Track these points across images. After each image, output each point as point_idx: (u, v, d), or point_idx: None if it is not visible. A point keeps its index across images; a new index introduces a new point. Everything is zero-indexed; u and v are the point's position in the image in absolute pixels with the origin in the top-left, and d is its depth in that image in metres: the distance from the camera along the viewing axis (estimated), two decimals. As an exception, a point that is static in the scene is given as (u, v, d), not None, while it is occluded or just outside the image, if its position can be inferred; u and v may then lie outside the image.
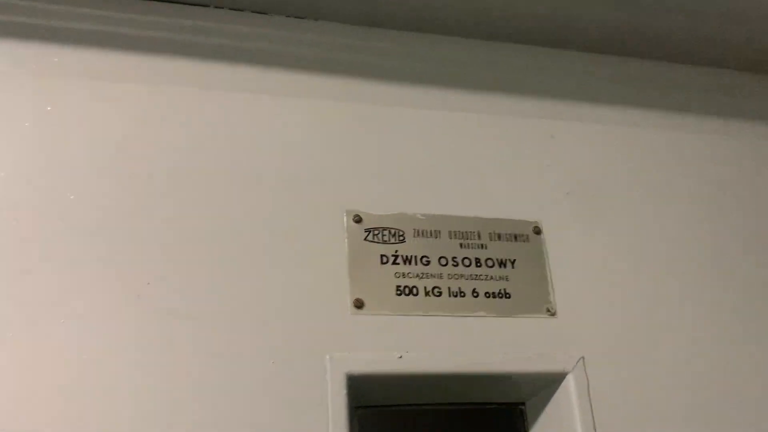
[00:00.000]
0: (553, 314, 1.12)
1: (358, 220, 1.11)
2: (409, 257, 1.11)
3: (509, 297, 1.11)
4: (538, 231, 1.18)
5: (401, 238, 1.12)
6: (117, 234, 1.01)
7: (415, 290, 1.08)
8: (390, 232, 1.12)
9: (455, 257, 1.12)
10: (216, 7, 1.20)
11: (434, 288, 1.09)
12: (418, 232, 1.13)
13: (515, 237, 1.17)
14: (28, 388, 0.89)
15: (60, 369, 0.91)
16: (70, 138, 1.06)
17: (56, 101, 1.07)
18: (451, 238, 1.14)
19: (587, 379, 1.09)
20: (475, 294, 1.10)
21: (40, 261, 0.97)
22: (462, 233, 1.15)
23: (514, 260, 1.15)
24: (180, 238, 1.03)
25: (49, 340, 0.92)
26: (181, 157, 1.09)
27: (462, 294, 1.10)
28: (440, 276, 1.10)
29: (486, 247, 1.14)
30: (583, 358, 1.10)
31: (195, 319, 0.98)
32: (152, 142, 1.09)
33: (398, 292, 1.08)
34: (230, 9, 1.21)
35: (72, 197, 1.01)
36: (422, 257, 1.11)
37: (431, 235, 1.13)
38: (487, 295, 1.11)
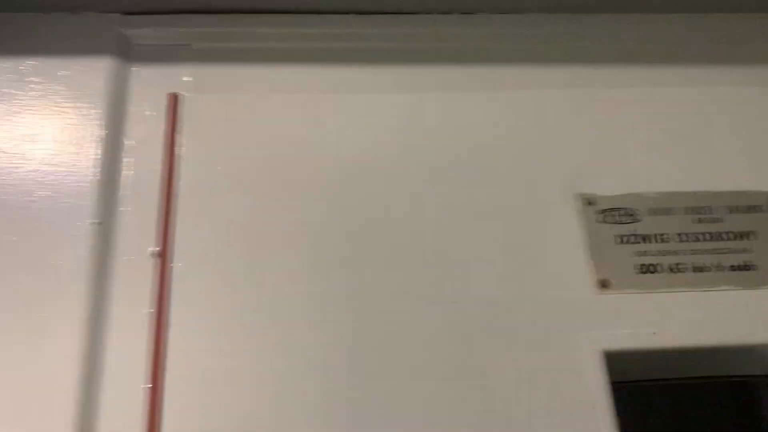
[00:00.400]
0: (801, 284, 1.11)
1: (590, 202, 1.14)
2: (646, 236, 1.12)
3: (754, 269, 1.11)
4: (773, 200, 1.17)
5: (635, 217, 1.14)
6: (365, 233, 1.09)
7: (657, 268, 1.10)
8: (624, 212, 1.14)
9: (693, 233, 1.13)
10: (411, 13, 1.25)
11: (676, 264, 1.10)
12: (652, 210, 1.14)
13: (751, 208, 1.15)
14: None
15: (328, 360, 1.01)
16: (288, 149, 1.16)
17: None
18: (686, 214, 1.14)
19: None
20: (718, 268, 1.10)
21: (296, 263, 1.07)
22: (696, 208, 1.15)
23: (754, 231, 1.13)
24: (428, 232, 1.10)
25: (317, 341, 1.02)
26: (415, 157, 1.16)
27: (705, 269, 1.10)
28: (680, 252, 1.11)
29: (723, 221, 1.14)
30: (839, 326, 1.08)
31: (452, 307, 1.05)
32: (383, 146, 1.16)
33: (640, 270, 1.10)
34: (425, 14, 1.24)
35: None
36: (659, 235, 1.12)
37: (666, 212, 1.14)
38: (732, 268, 1.11)
